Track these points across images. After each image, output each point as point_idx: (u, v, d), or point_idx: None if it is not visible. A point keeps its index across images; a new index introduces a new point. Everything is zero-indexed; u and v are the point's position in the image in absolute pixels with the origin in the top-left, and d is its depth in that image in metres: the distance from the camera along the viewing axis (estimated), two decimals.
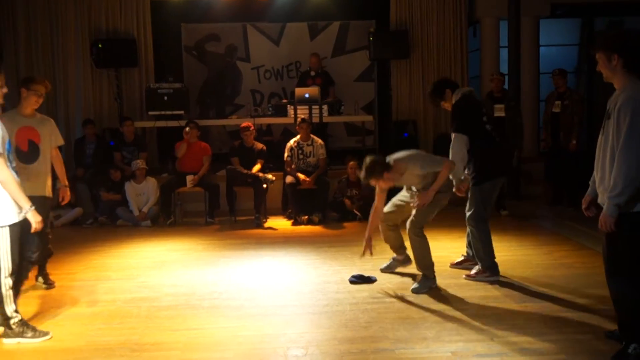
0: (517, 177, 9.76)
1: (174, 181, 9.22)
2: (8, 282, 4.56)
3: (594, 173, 4.16)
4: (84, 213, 9.20)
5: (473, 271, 6.03)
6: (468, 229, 6.18)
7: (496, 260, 5.96)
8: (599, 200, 4.08)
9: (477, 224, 5.96)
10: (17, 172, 4.63)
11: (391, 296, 5.48)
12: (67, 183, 6.30)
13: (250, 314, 5.12)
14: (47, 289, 6.05)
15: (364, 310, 5.12)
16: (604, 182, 3.95)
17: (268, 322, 4.91)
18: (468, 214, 6.02)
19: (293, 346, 4.41)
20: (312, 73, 11.03)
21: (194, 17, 11.77)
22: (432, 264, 5.71)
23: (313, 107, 10.05)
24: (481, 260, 5.97)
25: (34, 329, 4.69)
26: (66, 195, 6.27)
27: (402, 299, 5.40)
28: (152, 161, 10.44)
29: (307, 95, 10.09)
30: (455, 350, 4.27)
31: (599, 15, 12.79)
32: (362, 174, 5.68)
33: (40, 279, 6.13)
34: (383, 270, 6.23)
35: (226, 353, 4.35)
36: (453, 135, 5.89)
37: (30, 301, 5.63)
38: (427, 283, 5.65)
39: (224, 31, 12.19)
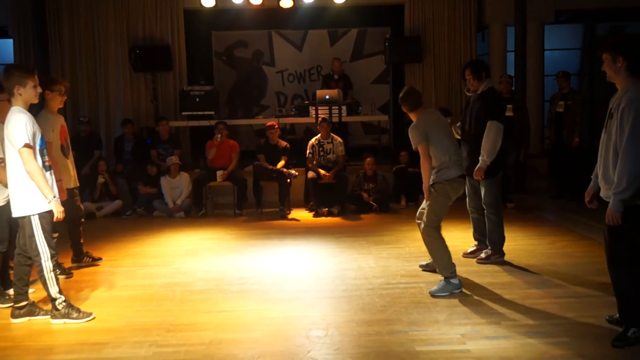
0: (523, 172, 9.68)
1: (205, 176, 9.27)
2: (49, 265, 4.60)
3: (595, 168, 4.14)
4: (123, 205, 9.29)
5: (483, 255, 6.06)
6: (476, 218, 6.23)
7: (503, 248, 6.03)
8: (601, 194, 4.06)
9: (496, 211, 5.99)
10: (49, 167, 4.67)
11: (405, 282, 5.47)
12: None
13: (275, 298, 5.15)
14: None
15: (379, 295, 5.12)
16: (607, 177, 3.93)
17: (292, 306, 4.94)
18: (486, 202, 5.99)
19: (314, 327, 4.43)
20: (335, 76, 11.04)
21: (224, 25, 11.81)
22: (451, 265, 5.17)
23: (333, 107, 10.07)
24: (494, 243, 6.00)
25: (78, 310, 4.73)
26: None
27: (415, 285, 5.39)
28: (185, 157, 10.50)
29: (327, 97, 10.12)
30: (465, 332, 4.26)
31: (600, 21, 12.64)
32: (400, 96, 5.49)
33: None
34: (423, 268, 5.84)
35: (254, 333, 4.37)
36: (489, 123, 5.71)
37: (75, 285, 5.71)
38: (447, 287, 5.07)
39: (251, 38, 12.21)
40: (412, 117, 5.44)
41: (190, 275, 5.89)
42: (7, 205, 4.74)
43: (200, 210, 9.07)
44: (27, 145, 4.43)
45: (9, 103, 5.06)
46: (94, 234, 7.45)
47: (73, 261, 6.36)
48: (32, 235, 4.56)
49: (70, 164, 6.15)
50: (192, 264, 6.31)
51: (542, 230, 7.44)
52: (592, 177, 4.26)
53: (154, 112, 10.98)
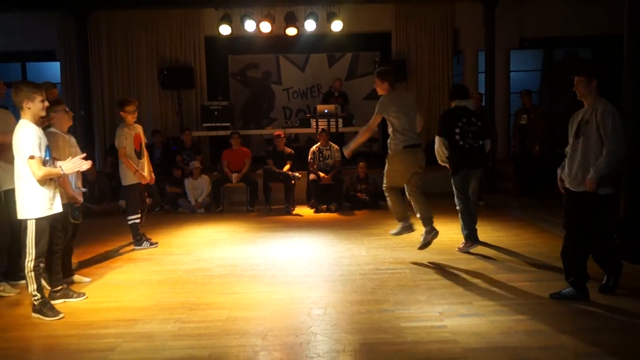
0: (492, 174, 9.68)
1: (222, 178, 9.26)
2: (30, 265, 4.30)
3: (563, 164, 4.48)
4: (152, 202, 9.27)
5: (461, 245, 6.12)
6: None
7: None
8: (571, 186, 4.39)
9: (458, 205, 6.16)
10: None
11: (392, 268, 5.47)
12: (152, 169, 6.87)
13: (281, 282, 5.14)
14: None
15: (370, 279, 5.12)
16: (583, 171, 4.26)
17: (295, 288, 4.93)
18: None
19: (315, 307, 4.43)
20: (336, 93, 11.04)
21: (238, 50, 11.80)
22: (406, 215, 5.82)
23: (331, 120, 10.06)
24: (463, 232, 6.12)
25: (52, 308, 4.40)
26: (152, 179, 6.80)
27: (400, 270, 5.38)
28: (206, 162, 10.50)
29: (326, 111, 10.11)
30: (442, 310, 4.26)
31: (557, 47, 12.68)
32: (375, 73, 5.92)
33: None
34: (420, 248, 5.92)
35: (263, 312, 4.37)
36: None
37: (111, 270, 5.70)
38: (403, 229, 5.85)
39: (261, 60, 12.21)
40: (386, 92, 5.78)
41: (209, 262, 5.89)
42: None
43: (218, 207, 9.06)
44: (31, 157, 4.18)
45: (66, 114, 5.05)
46: (127, 228, 7.43)
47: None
48: (26, 236, 4.29)
49: (143, 164, 6.59)
50: (211, 253, 6.30)
51: (508, 224, 7.43)
52: (559, 170, 4.56)
53: (179, 123, 10.97)
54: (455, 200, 6.19)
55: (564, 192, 4.52)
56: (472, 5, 10.71)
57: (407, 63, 11.27)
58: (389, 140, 5.76)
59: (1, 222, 4.94)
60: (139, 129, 6.69)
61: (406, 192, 5.81)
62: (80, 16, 10.56)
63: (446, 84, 11.46)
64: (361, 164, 9.10)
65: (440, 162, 6.28)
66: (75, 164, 4.37)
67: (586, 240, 4.41)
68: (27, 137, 4.19)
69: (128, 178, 6.48)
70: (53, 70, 11.47)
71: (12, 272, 5.23)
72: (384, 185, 5.81)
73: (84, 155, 4.58)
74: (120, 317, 4.32)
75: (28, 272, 4.33)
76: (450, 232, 6.93)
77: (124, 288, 5.10)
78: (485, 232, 6.84)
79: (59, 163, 4.39)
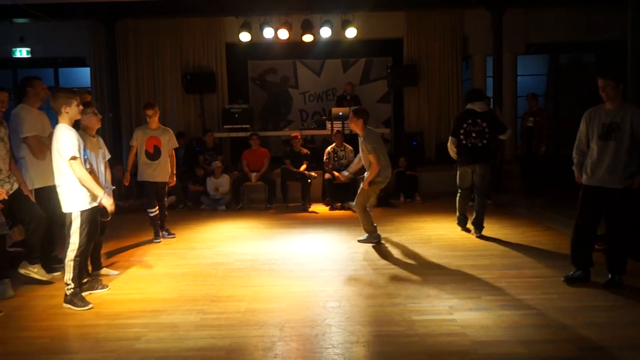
0: (499, 175, 9.59)
1: (242, 177, 9.28)
2: (72, 255, 4.39)
3: (585, 162, 4.55)
4: (176, 200, 9.33)
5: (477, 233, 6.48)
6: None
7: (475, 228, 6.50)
8: (606, 184, 4.42)
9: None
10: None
11: (404, 265, 5.44)
12: (175, 171, 6.93)
13: (298, 276, 5.13)
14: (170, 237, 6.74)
15: (382, 274, 5.09)
16: (617, 171, 4.35)
17: (311, 282, 4.92)
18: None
19: (330, 300, 4.41)
20: (348, 97, 11.01)
21: (257, 55, 11.82)
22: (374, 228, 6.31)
23: (345, 122, 10.03)
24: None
25: (82, 299, 4.44)
26: (172, 181, 6.87)
27: (411, 267, 5.35)
28: (226, 162, 10.51)
29: (340, 114, 10.09)
30: (452, 305, 4.22)
31: (562, 52, 12.52)
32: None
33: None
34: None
35: (281, 304, 4.36)
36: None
37: (139, 263, 5.74)
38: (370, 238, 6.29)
39: (279, 66, 12.20)
40: (360, 129, 6.12)
41: (229, 257, 5.90)
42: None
43: (238, 204, 9.08)
44: (73, 158, 4.27)
45: (94, 116, 5.07)
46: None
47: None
48: (70, 228, 4.40)
49: (158, 165, 6.63)
50: (231, 248, 6.31)
51: (515, 222, 7.34)
52: (574, 168, 4.68)
53: (202, 125, 11.01)
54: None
55: (584, 189, 4.56)
56: (480, 12, 10.62)
57: (418, 68, 11.20)
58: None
59: (36, 217, 5.00)
60: (167, 132, 6.73)
61: (363, 207, 6.28)
62: (109, 24, 10.64)
63: (456, 88, 11.39)
64: None
65: (454, 158, 6.66)
66: (111, 204, 4.55)
67: (594, 234, 4.60)
68: (68, 139, 4.29)
69: (138, 175, 6.73)
70: (84, 75, 11.59)
71: (46, 264, 5.29)
72: (355, 205, 6.35)
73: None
74: (146, 308, 4.34)
75: (68, 261, 4.39)
76: (459, 230, 6.88)
77: (149, 280, 5.13)
78: (493, 229, 6.78)
79: (102, 195, 4.46)
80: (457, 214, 6.83)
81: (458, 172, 6.62)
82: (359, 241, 6.34)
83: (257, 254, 5.97)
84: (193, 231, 7.33)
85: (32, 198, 5.02)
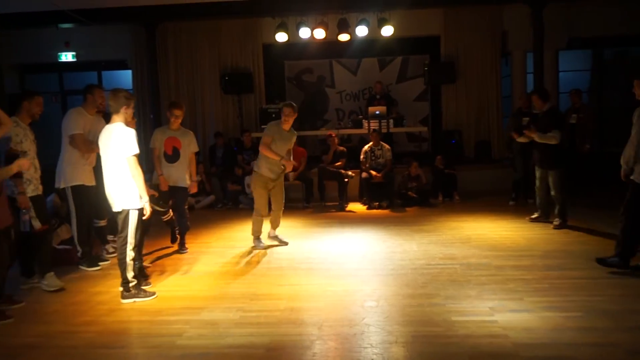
0: None
1: None
2: (132, 253, 4.52)
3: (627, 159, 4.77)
4: (215, 199, 9.46)
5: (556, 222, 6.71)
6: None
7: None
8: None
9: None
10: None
11: (442, 264, 5.37)
12: (195, 179, 6.29)
13: (336, 275, 5.13)
14: (181, 253, 6.23)
15: (421, 274, 5.04)
16: None
17: (349, 281, 4.91)
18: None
19: (368, 299, 4.40)
20: (378, 96, 10.95)
21: (294, 56, 11.87)
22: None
23: (382, 121, 10.00)
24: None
25: (144, 291, 4.62)
26: (193, 187, 6.23)
27: (451, 266, 5.28)
28: None
29: (377, 112, 10.05)
30: (493, 306, 4.14)
31: (606, 46, 12.10)
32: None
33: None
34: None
35: (318, 303, 4.38)
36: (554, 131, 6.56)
37: (179, 262, 5.85)
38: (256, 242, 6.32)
39: (315, 65, 12.23)
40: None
41: (268, 255, 5.95)
42: None
43: None
44: (136, 155, 4.46)
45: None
46: (194, 223, 7.57)
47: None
48: (125, 227, 4.51)
49: (174, 167, 6.05)
50: (270, 245, 6.36)
51: None
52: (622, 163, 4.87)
53: (239, 125, 11.14)
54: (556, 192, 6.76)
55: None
56: (519, 7, 10.36)
57: (456, 65, 11.04)
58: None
59: (79, 215, 5.22)
60: (188, 135, 6.18)
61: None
62: (150, 27, 10.86)
63: (495, 85, 11.17)
64: (414, 163, 9.00)
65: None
66: (149, 211, 4.56)
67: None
68: (131, 137, 4.46)
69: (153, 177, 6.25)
70: (126, 78, 11.88)
71: (87, 260, 5.48)
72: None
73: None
74: (187, 305, 4.42)
75: (129, 260, 4.52)
76: (499, 229, 6.76)
77: (190, 278, 5.22)
78: (534, 229, 6.65)
79: (146, 198, 4.53)
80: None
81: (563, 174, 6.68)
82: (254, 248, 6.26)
83: (295, 253, 6.00)
84: (232, 230, 7.41)
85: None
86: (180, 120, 6.12)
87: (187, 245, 6.32)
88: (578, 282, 4.65)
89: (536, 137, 6.63)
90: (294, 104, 6.44)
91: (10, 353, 3.68)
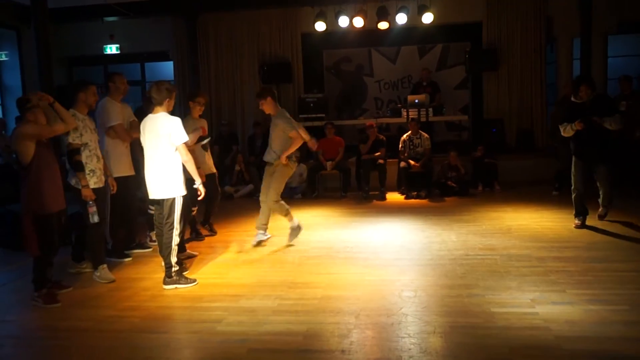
0: None
1: (318, 166, 9.37)
2: (177, 239, 4.65)
3: None
4: (254, 188, 9.55)
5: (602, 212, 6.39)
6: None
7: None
8: None
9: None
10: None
11: (482, 254, 5.29)
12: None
13: (373, 264, 5.13)
14: (210, 235, 6.50)
15: (460, 264, 4.98)
16: None
17: (387, 271, 4.90)
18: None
19: (405, 289, 4.37)
20: (424, 83, 10.79)
21: (332, 45, 11.81)
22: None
23: (421, 109, 9.87)
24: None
25: (186, 278, 4.73)
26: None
27: (490, 256, 5.19)
28: (302, 151, 10.59)
29: (416, 101, 9.92)
30: (534, 298, 4.06)
31: None
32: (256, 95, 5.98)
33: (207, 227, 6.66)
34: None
35: (356, 292, 4.38)
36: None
37: (217, 250, 5.95)
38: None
39: (354, 54, 12.15)
40: (271, 110, 5.88)
41: (305, 244, 5.99)
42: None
43: (313, 192, 9.19)
44: (185, 143, 4.61)
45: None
46: (233, 211, 7.72)
47: (202, 223, 6.65)
48: (172, 213, 4.61)
49: (207, 155, 6.32)
50: (307, 235, 6.37)
51: None
52: None
53: None
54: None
55: None
56: None
57: (498, 52, 10.77)
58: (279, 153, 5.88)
59: (120, 205, 5.37)
60: (204, 123, 6.38)
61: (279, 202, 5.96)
62: (190, 19, 11.03)
63: (539, 72, 10.85)
64: (452, 153, 8.87)
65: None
66: (203, 191, 4.81)
67: None
68: (180, 125, 4.59)
69: (205, 168, 6.30)
70: (167, 69, 12.10)
71: (116, 252, 5.63)
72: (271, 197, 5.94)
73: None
74: (226, 293, 4.50)
75: (174, 245, 4.64)
76: (541, 220, 6.61)
77: (229, 266, 5.31)
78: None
79: (200, 181, 4.78)
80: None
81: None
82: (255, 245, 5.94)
83: (333, 242, 6.02)
84: (270, 219, 7.46)
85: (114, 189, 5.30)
86: (202, 109, 6.33)
87: (216, 229, 6.69)
88: (624, 274, 4.50)
89: (608, 125, 5.92)
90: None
91: (58, 336, 3.84)
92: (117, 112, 5.50)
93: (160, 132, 4.56)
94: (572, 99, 6.14)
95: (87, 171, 4.80)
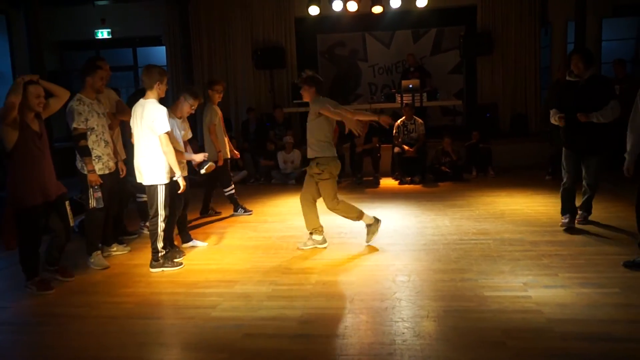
0: None
1: None
2: (162, 225, 4.70)
3: None
4: (248, 174, 9.56)
5: (581, 219, 5.60)
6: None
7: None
8: None
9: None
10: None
11: (475, 239, 5.32)
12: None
13: (367, 249, 5.16)
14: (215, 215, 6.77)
15: (453, 249, 5.01)
16: None
17: (381, 256, 4.93)
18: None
19: (399, 274, 4.40)
20: (411, 69, 10.77)
21: (326, 29, 11.75)
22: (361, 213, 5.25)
23: (415, 94, 9.86)
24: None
25: (172, 261, 4.83)
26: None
27: (484, 241, 5.23)
28: (296, 137, 10.62)
29: (410, 86, 9.91)
30: (526, 281, 4.10)
31: None
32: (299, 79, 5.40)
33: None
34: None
35: (351, 277, 4.41)
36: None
37: (212, 236, 5.95)
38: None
39: (348, 39, 12.09)
40: (310, 96, 5.31)
41: (300, 230, 5.96)
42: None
43: None
44: (167, 132, 4.55)
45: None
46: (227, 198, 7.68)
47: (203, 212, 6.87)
48: (154, 201, 4.66)
49: (227, 141, 6.70)
50: (301, 221, 6.25)
51: (598, 197, 6.91)
52: None
53: (272, 101, 11.16)
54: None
55: None
56: None
57: (492, 36, 10.75)
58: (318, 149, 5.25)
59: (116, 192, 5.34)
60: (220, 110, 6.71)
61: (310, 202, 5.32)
62: (183, 3, 10.93)
63: (533, 56, 10.84)
64: (446, 139, 8.87)
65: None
66: (184, 185, 4.74)
67: None
68: (163, 114, 4.55)
69: (212, 155, 6.43)
70: (160, 53, 12.00)
71: (118, 234, 5.64)
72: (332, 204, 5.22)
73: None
74: (221, 279, 4.52)
75: (160, 231, 4.69)
76: (534, 204, 6.64)
77: (224, 252, 5.32)
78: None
79: (179, 173, 4.70)
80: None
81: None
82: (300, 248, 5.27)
83: (327, 228, 5.99)
84: (264, 205, 7.49)
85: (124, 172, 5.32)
86: (221, 96, 6.57)
87: (219, 210, 6.94)
88: (615, 258, 4.54)
89: (596, 119, 5.31)
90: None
91: (54, 322, 3.85)
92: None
93: (145, 118, 4.56)
94: (567, 77, 5.46)
95: (93, 157, 4.78)
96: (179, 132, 5.13)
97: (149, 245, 4.81)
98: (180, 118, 5.25)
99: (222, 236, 5.94)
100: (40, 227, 4.37)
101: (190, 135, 5.49)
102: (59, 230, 4.48)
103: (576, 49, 5.87)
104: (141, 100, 4.67)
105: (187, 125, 5.42)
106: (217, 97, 6.53)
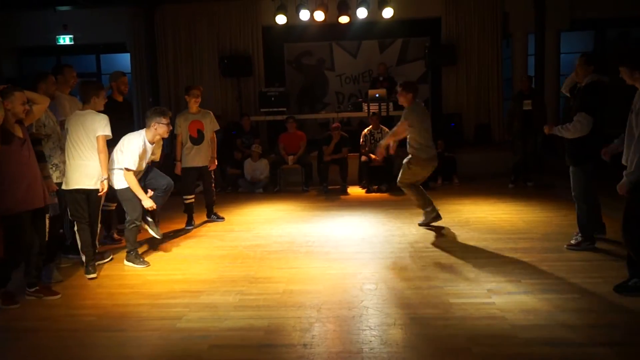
0: (540, 155, 9.32)
1: (279, 160, 9.33)
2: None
3: (621, 135, 4.15)
4: (215, 183, 9.43)
5: (573, 241, 5.11)
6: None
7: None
8: (622, 161, 4.00)
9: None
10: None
11: (441, 247, 5.39)
12: (215, 156, 6.86)
13: (335, 258, 5.15)
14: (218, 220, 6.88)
15: (420, 257, 5.06)
16: (627, 156, 3.92)
17: (348, 264, 4.94)
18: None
19: (367, 282, 4.42)
20: (381, 78, 10.90)
21: (293, 38, 11.78)
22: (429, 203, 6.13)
23: (382, 104, 9.95)
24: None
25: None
26: (213, 165, 6.81)
27: (449, 250, 5.29)
28: (263, 145, 10.59)
29: (377, 95, 9.99)
30: (490, 288, 4.16)
31: (609, 27, 11.98)
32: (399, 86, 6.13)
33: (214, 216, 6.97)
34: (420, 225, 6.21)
35: (318, 286, 4.39)
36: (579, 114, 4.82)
37: (178, 246, 5.86)
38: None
39: (315, 48, 12.16)
40: (408, 102, 6.00)
41: (267, 239, 5.97)
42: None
43: (275, 187, 9.14)
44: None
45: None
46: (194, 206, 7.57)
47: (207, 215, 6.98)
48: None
49: (200, 149, 6.59)
50: (268, 230, 6.37)
51: (557, 204, 7.13)
52: (615, 141, 4.32)
53: (239, 109, 11.10)
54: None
55: None
56: None
57: (456, 47, 10.98)
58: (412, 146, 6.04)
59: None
60: (208, 115, 6.75)
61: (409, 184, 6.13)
62: (148, 10, 10.80)
63: (495, 67, 11.12)
64: None
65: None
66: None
67: None
68: (104, 120, 4.78)
69: (183, 161, 6.65)
70: (124, 61, 11.81)
71: (74, 247, 5.46)
72: (400, 182, 6.17)
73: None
74: (186, 289, 4.44)
75: (78, 240, 4.92)
76: (498, 212, 6.77)
77: (189, 262, 5.24)
78: (534, 212, 6.64)
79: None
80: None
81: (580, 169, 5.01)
82: (420, 225, 6.18)
83: (295, 236, 6.02)
84: (231, 214, 7.42)
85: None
86: (199, 102, 6.62)
87: (195, 222, 6.77)
88: (576, 264, 4.66)
89: (558, 133, 4.94)
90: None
91: (12, 337, 3.71)
92: (65, 106, 5.29)
93: (85, 125, 4.74)
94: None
95: (50, 165, 4.70)
96: (148, 155, 5.18)
97: (114, 256, 4.76)
98: (152, 143, 5.18)
99: (188, 246, 5.85)
100: (26, 235, 4.22)
101: (157, 159, 5.42)
102: (35, 245, 4.32)
103: (586, 53, 5.55)
104: (77, 111, 4.88)
105: (158, 148, 5.34)
106: (193, 102, 6.56)
